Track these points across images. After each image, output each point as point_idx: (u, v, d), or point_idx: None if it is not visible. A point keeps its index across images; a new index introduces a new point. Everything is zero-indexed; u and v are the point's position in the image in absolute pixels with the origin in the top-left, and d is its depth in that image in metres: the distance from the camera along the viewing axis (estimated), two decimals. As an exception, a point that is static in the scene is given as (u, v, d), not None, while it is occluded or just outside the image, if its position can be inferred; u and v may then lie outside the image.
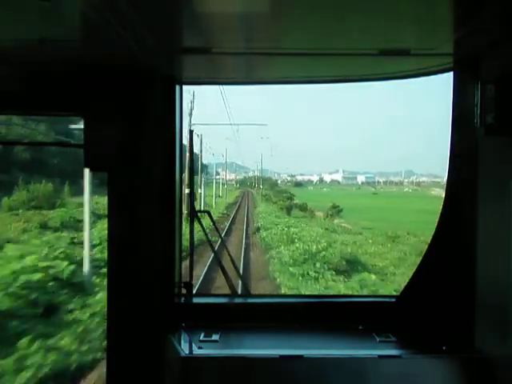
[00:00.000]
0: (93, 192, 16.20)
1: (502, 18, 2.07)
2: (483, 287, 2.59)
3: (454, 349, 2.63)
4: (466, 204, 2.70)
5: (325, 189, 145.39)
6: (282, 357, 2.54)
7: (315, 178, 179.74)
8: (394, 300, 3.06)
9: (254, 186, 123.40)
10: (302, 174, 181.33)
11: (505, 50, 2.34)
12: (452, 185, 2.83)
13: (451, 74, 2.77)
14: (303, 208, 56.52)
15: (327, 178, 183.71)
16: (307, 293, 13.78)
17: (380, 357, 2.55)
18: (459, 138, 2.76)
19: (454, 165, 2.80)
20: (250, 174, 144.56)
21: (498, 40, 2.32)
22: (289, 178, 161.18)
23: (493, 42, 2.37)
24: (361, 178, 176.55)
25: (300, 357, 2.54)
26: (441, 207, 2.88)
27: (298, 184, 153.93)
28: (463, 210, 2.74)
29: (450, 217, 2.82)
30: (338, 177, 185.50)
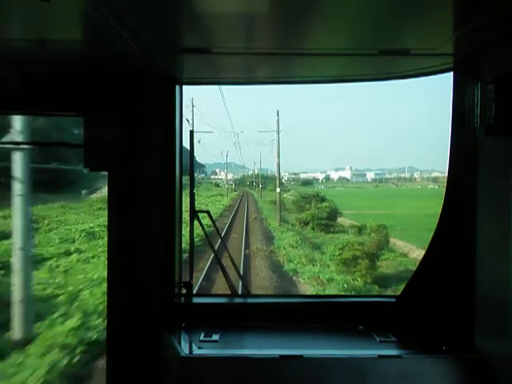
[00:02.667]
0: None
1: (502, 18, 2.06)
2: (483, 287, 2.58)
3: (453, 349, 2.63)
4: (466, 204, 2.70)
5: (338, 187, 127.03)
6: (282, 357, 2.54)
7: (320, 176, 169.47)
8: (393, 300, 3.06)
9: (255, 186, 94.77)
10: (304, 172, 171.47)
11: (505, 49, 2.34)
12: (452, 184, 2.83)
13: (451, 73, 2.77)
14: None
15: (334, 175, 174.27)
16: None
17: (380, 357, 2.54)
18: (459, 137, 2.76)
19: (454, 165, 2.80)
20: (250, 173, 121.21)
21: (497, 40, 2.32)
22: (293, 176, 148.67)
23: (493, 42, 2.37)
24: (370, 175, 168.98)
25: (300, 357, 2.54)
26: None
27: (306, 182, 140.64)
28: (463, 209, 2.74)
29: (450, 217, 2.82)
30: (347, 174, 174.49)
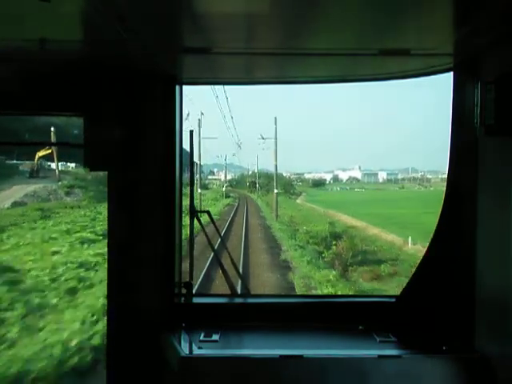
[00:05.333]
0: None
1: (502, 18, 2.07)
2: (483, 287, 2.59)
3: (453, 349, 2.63)
4: (466, 204, 2.70)
5: (357, 189, 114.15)
6: (282, 357, 2.54)
7: (327, 176, 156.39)
8: (393, 300, 3.06)
9: (258, 189, 70.09)
10: (309, 172, 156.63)
11: (505, 49, 2.34)
12: (452, 184, 2.83)
13: (451, 73, 2.78)
14: None
15: (343, 175, 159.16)
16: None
17: (380, 357, 2.55)
18: (459, 137, 2.76)
19: (454, 165, 2.80)
20: (250, 172, 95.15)
21: (497, 40, 2.32)
22: (300, 177, 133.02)
23: (493, 42, 2.37)
24: (382, 175, 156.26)
25: (300, 357, 2.54)
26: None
27: (318, 184, 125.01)
28: (463, 209, 2.74)
29: (450, 217, 2.83)
30: (357, 174, 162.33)
